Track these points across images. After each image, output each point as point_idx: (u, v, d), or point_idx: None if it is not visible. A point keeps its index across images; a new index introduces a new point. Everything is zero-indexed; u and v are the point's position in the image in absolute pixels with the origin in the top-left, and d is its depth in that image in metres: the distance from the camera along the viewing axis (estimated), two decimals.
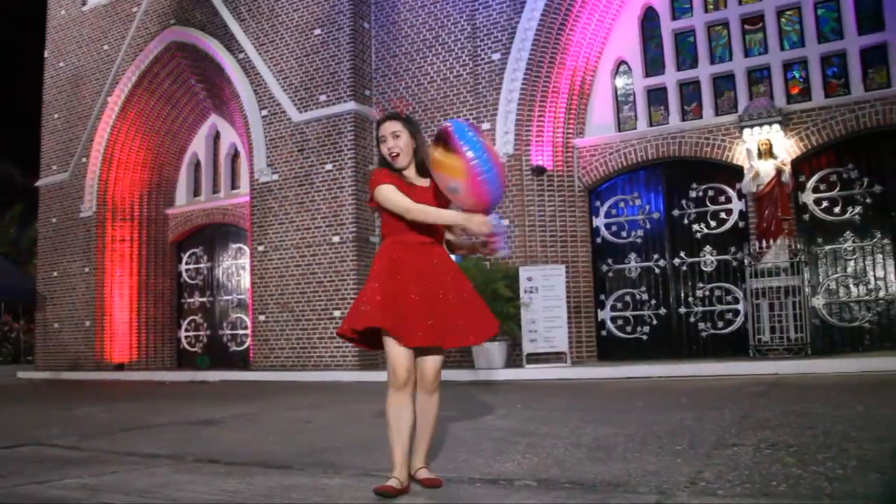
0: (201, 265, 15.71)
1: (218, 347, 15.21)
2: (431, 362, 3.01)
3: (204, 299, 15.59)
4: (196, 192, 15.95)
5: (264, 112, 13.19)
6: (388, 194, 2.99)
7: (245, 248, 14.69)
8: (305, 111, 12.68)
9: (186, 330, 15.76)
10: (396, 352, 2.91)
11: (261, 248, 12.96)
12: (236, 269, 15.18)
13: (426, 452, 3.14)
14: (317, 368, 11.99)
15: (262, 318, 12.81)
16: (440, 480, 3.02)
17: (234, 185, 15.36)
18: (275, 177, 12.91)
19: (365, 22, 12.74)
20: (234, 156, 15.41)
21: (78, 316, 15.22)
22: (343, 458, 3.91)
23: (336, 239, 12.12)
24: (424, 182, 3.07)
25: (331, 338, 12.00)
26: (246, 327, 14.61)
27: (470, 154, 2.74)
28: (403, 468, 2.92)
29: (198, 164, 15.97)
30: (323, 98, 12.52)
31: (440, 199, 3.02)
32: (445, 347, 2.99)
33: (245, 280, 14.71)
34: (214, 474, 3.53)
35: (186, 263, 15.92)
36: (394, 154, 3.05)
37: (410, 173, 3.09)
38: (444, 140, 2.81)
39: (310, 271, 12.36)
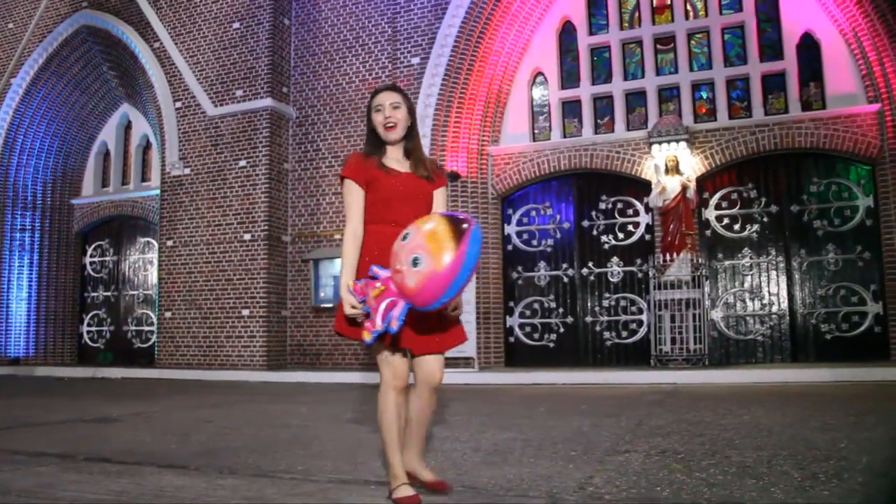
0: (107, 258, 14.87)
1: (122, 344, 14.43)
2: (438, 361, 2.82)
3: (109, 294, 14.76)
4: (104, 183, 15.11)
5: (178, 104, 12.58)
6: (347, 194, 2.83)
7: (154, 242, 14.02)
8: (221, 105, 12.16)
9: (89, 325, 14.90)
10: (399, 352, 2.75)
11: (170, 243, 12.35)
12: (144, 263, 14.44)
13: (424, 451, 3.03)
14: (223, 367, 11.51)
15: (168, 314, 12.20)
16: (446, 483, 2.89)
17: (144, 177, 14.62)
18: (187, 171, 12.33)
19: (285, 18, 12.32)
20: (146, 147, 14.67)
21: None
22: (240, 458, 3.81)
23: (247, 237, 11.65)
24: (405, 167, 2.88)
25: (238, 336, 11.53)
26: (152, 324, 13.92)
27: (464, 253, 2.34)
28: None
29: (107, 154, 15.14)
30: (239, 93, 12.03)
31: (418, 187, 2.84)
32: (445, 349, 2.82)
33: (152, 275, 14.02)
34: (104, 474, 3.39)
35: (91, 256, 15.05)
36: (390, 125, 2.83)
37: (396, 153, 2.90)
38: (456, 223, 2.38)
39: (219, 268, 11.85)
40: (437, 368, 2.80)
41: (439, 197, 2.93)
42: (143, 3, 13.14)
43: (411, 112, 2.90)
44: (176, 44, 12.77)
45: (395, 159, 2.89)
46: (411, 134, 2.90)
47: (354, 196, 2.80)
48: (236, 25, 12.22)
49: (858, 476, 3.05)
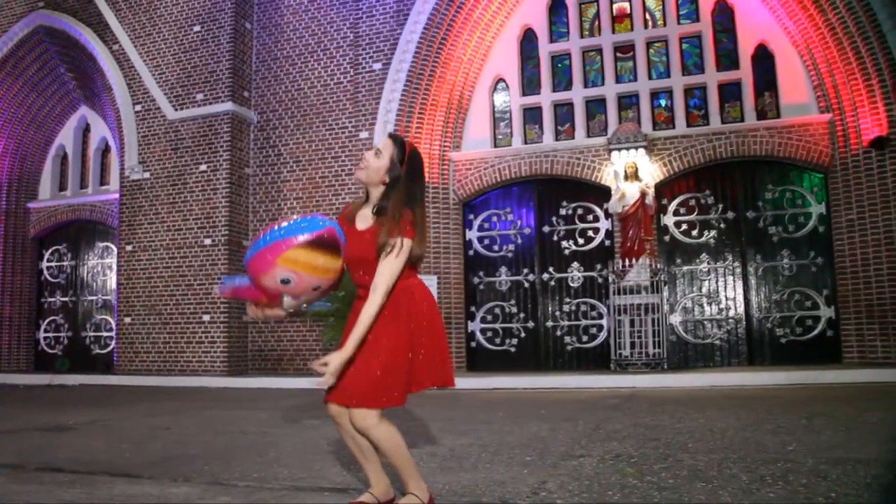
0: (64, 263, 14.51)
1: (80, 350, 14.08)
2: (344, 411, 2.75)
3: (66, 299, 14.40)
4: (62, 187, 14.75)
5: (138, 107, 12.35)
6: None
7: (112, 247, 13.72)
8: (181, 109, 11.97)
9: (46, 331, 14.51)
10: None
11: (129, 248, 12.10)
12: (102, 268, 14.12)
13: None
14: (183, 373, 11.30)
15: (127, 320, 11.94)
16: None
17: (103, 180, 14.31)
18: (146, 175, 12.10)
19: (247, 22, 12.17)
20: (105, 151, 14.37)
21: None
22: (196, 466, 3.77)
23: (208, 241, 11.47)
24: (366, 224, 2.69)
25: (199, 342, 11.33)
26: (111, 329, 13.61)
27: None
28: None
29: (65, 157, 14.78)
30: (200, 97, 11.85)
31: (367, 249, 2.63)
32: (344, 402, 2.69)
33: (111, 280, 13.72)
34: (55, 483, 3.34)
35: (48, 261, 14.67)
36: (359, 167, 2.72)
37: (366, 208, 2.74)
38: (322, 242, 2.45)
39: (179, 273, 11.64)
40: (333, 408, 2.71)
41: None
42: (102, 5, 12.89)
43: (395, 165, 2.67)
44: (136, 46, 12.54)
45: (362, 214, 2.74)
46: (388, 194, 2.67)
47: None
48: (197, 29, 12.04)
49: (803, 478, 3.10)
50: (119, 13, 12.79)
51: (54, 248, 14.65)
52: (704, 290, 10.56)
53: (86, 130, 14.62)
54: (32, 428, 5.65)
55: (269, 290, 2.49)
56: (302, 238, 2.40)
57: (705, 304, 10.52)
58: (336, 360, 2.51)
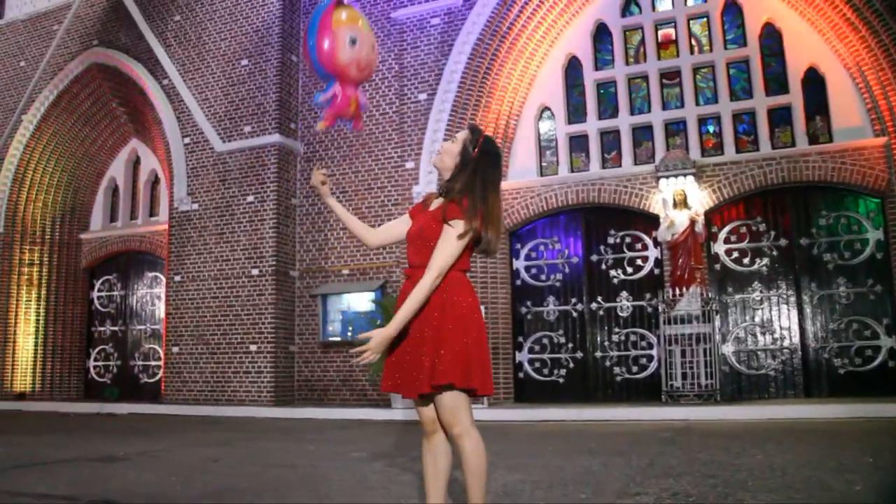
0: (114, 293, 14.96)
1: (128, 379, 14.45)
2: (429, 405, 2.77)
3: (116, 328, 14.83)
4: (113, 218, 15.27)
5: (187, 140, 12.77)
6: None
7: (161, 277, 14.11)
8: (229, 141, 12.34)
9: (96, 359, 14.94)
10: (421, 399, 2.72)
11: (177, 278, 12.44)
12: (151, 298, 14.52)
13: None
14: (231, 403, 11.51)
15: (175, 349, 12.24)
16: None
17: (152, 212, 14.77)
18: (195, 206, 12.46)
19: (293, 55, 12.54)
20: (154, 182, 14.85)
21: None
22: (246, 500, 3.78)
23: (255, 272, 11.73)
24: (435, 206, 2.78)
25: (246, 372, 11.55)
26: (159, 358, 13.95)
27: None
28: None
29: (116, 189, 15.32)
30: (247, 129, 12.21)
31: (429, 227, 2.69)
32: (416, 394, 2.68)
33: (160, 310, 14.09)
34: None
35: (99, 290, 15.15)
36: (434, 152, 2.97)
37: (436, 199, 2.82)
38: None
39: (227, 303, 11.91)
40: (428, 413, 2.70)
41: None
42: (153, 41, 13.41)
43: (468, 149, 2.72)
44: (185, 80, 13.00)
45: (431, 200, 2.85)
46: (457, 176, 2.71)
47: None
48: (245, 62, 12.44)
49: None
50: (169, 49, 13.29)
51: (105, 278, 15.13)
52: (757, 319, 10.40)
53: (136, 163, 15.15)
54: (84, 458, 5.76)
55: (347, 70, 2.90)
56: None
57: (759, 334, 10.36)
58: (379, 335, 2.51)
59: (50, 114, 14.53)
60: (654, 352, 10.74)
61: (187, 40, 13.14)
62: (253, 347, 11.56)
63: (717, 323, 10.24)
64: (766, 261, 10.45)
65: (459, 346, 2.55)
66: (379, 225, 3.41)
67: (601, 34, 11.90)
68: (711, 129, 11.17)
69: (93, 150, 15.08)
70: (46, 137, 14.68)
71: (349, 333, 11.56)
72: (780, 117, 10.78)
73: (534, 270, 11.66)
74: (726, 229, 10.68)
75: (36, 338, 14.44)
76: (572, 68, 11.96)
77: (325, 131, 12.12)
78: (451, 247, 2.59)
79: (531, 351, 11.49)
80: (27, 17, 15.21)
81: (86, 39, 14.23)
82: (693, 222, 10.13)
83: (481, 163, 2.71)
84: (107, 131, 14.95)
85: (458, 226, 2.58)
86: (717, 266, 10.64)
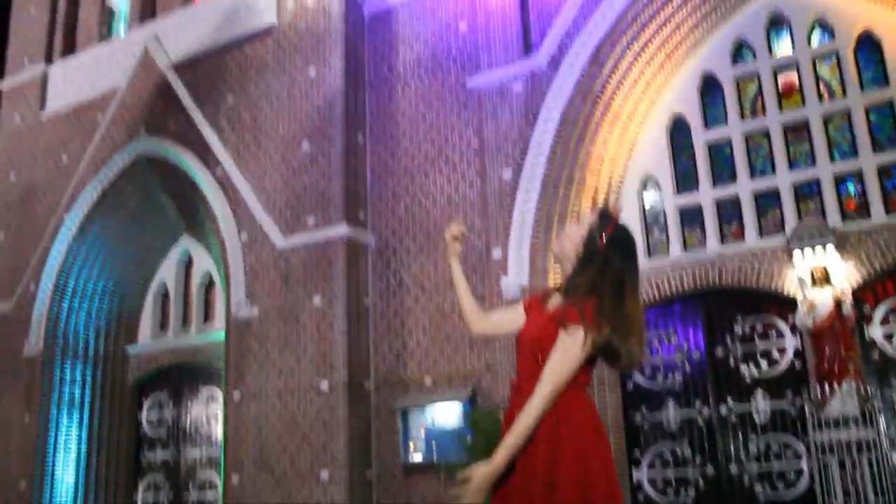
0: (165, 413, 15.93)
1: None
2: None
3: (167, 455, 15.71)
4: (163, 326, 16.38)
5: (244, 236, 13.76)
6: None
7: (218, 393, 14.93)
8: (291, 235, 13.24)
9: (145, 491, 15.81)
10: None
11: (236, 395, 13.21)
12: (207, 418, 15.40)
13: None
14: None
15: (235, 479, 12.92)
16: None
17: (207, 319, 15.80)
18: (254, 311, 13.35)
19: (359, 135, 13.54)
20: (209, 286, 15.94)
21: (11, 476, 15.12)
22: None
23: (325, 385, 12.40)
24: (554, 305, 2.86)
25: (317, 503, 12.09)
26: (216, 489, 14.69)
27: None
28: None
29: (166, 295, 16.46)
30: (311, 221, 13.11)
31: (545, 331, 2.74)
32: None
33: (217, 432, 14.87)
34: None
35: (148, 410, 16.15)
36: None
37: (556, 296, 2.91)
38: None
39: (293, 423, 12.54)
40: None
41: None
42: (204, 127, 14.65)
43: (594, 239, 2.82)
44: (240, 169, 14.10)
45: (551, 299, 2.90)
46: (582, 270, 2.79)
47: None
48: (306, 146, 13.49)
49: None
50: (222, 134, 14.51)
51: (154, 395, 16.13)
52: None
53: (188, 265, 16.30)
54: None
55: None
56: None
57: None
58: (479, 477, 2.50)
59: (94, 212, 15.72)
60: (803, 464, 10.74)
61: (241, 124, 14.36)
62: (324, 474, 12.10)
63: (883, 426, 10.17)
64: None
65: (577, 488, 2.51)
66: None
67: (709, 87, 12.41)
68: (852, 188, 11.34)
69: (141, 252, 16.33)
70: (91, 239, 15.85)
71: (433, 454, 12.03)
72: None
73: (647, 370, 11.94)
74: (882, 308, 10.72)
75: (77, 470, 15.19)
76: (678, 129, 12.47)
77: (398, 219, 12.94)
78: (567, 360, 2.59)
79: (651, 467, 11.64)
80: (70, 109, 16.84)
81: (132, 129, 15.59)
82: (839, 303, 10.22)
83: (611, 256, 2.75)
84: (156, 230, 16.19)
85: (576, 334, 2.60)
86: (875, 354, 10.64)
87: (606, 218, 2.86)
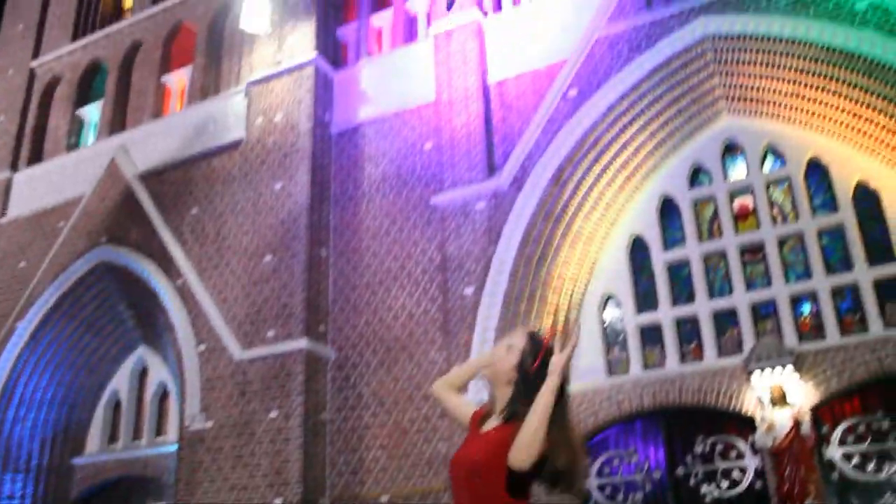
0: None
1: None
2: None
3: None
4: (112, 438, 15.92)
5: (202, 347, 13.61)
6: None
7: None
8: (249, 348, 13.12)
9: None
10: None
11: None
12: None
13: None
14: None
15: None
16: None
17: (159, 431, 15.43)
18: (209, 424, 13.07)
19: (323, 248, 13.64)
20: (163, 397, 15.63)
21: None
22: None
23: (278, 502, 12.06)
24: (490, 428, 2.87)
25: None
26: None
27: None
28: None
29: (118, 405, 16.09)
30: (271, 334, 13.04)
31: (483, 454, 2.76)
32: None
33: None
34: None
35: None
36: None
37: (492, 417, 2.92)
38: None
39: None
40: None
41: None
42: (167, 237, 14.69)
43: (527, 360, 2.86)
44: (202, 280, 14.08)
45: (490, 420, 2.90)
46: (519, 396, 2.81)
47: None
48: (269, 258, 13.53)
49: None
50: (185, 246, 14.54)
51: None
52: None
53: (143, 374, 16.01)
54: None
55: None
56: None
57: None
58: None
59: (49, 319, 15.54)
60: None
61: (205, 235, 14.42)
62: None
63: None
64: None
65: None
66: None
67: (668, 209, 12.79)
68: (807, 309, 11.60)
69: (94, 360, 16.03)
70: (42, 347, 15.60)
71: None
72: (891, 290, 11.13)
73: (608, 489, 11.77)
74: (840, 429, 10.75)
75: None
76: (638, 249, 12.75)
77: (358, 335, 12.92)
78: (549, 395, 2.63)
79: None
80: (32, 214, 16.79)
81: (94, 237, 15.57)
82: (797, 423, 10.32)
83: (543, 379, 2.76)
84: (111, 338, 15.98)
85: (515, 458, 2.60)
86: (834, 475, 10.63)
87: (537, 342, 2.91)
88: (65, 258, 15.80)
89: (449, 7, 13.94)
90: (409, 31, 15.08)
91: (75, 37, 18.68)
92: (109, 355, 16.15)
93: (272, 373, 12.81)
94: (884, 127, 11.26)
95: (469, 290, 12.23)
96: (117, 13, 19.48)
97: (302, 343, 12.67)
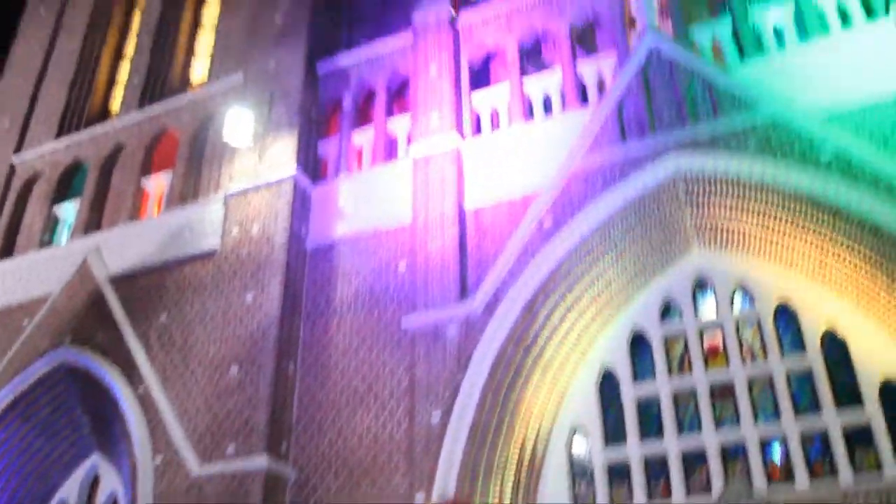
0: None
1: None
2: None
3: None
4: None
5: (158, 459, 13.18)
6: None
7: None
8: (207, 463, 12.69)
9: None
10: None
11: None
12: None
13: None
14: None
15: None
16: None
17: None
18: None
19: (290, 363, 13.43)
20: None
21: None
22: None
23: None
24: None
25: None
26: None
27: None
28: None
29: None
30: (230, 449, 12.64)
31: None
32: None
33: None
34: None
35: None
36: None
37: None
38: None
39: None
40: None
41: None
42: (133, 342, 14.44)
43: None
44: (164, 388, 13.75)
45: None
46: None
47: None
48: (234, 371, 13.26)
49: None
50: (150, 351, 14.27)
51: None
52: None
53: (94, 483, 15.46)
54: None
55: None
56: None
57: None
58: None
59: (1, 420, 15.11)
60: None
61: (171, 343, 14.17)
62: None
63: None
64: None
65: None
66: None
67: (638, 343, 12.78)
68: (777, 452, 11.46)
69: (44, 466, 15.48)
70: None
71: None
72: (860, 437, 11.04)
73: None
74: None
75: None
76: (608, 382, 12.67)
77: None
78: None
79: None
80: None
81: (57, 337, 15.26)
82: None
83: None
84: (65, 444, 15.48)
85: None
86: None
87: None
88: (25, 357, 15.45)
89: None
90: (388, 149, 15.28)
91: (59, 134, 18.84)
92: (61, 462, 15.64)
93: (229, 491, 12.36)
94: (855, 265, 11.41)
95: (436, 416, 12.01)
96: (104, 114, 19.67)
97: (262, 461, 12.29)
